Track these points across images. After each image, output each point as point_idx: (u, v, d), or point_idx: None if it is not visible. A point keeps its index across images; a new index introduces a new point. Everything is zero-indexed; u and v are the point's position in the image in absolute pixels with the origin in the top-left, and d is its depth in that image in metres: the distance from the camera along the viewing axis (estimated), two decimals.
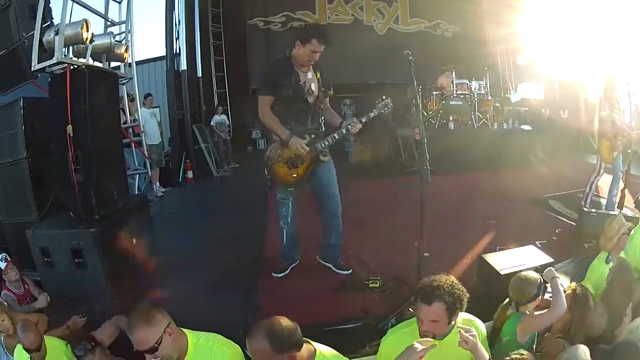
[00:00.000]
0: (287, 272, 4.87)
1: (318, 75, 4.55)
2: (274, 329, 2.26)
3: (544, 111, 11.73)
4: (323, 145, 4.46)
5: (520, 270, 3.44)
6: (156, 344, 2.30)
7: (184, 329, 2.54)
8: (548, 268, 3.40)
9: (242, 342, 2.47)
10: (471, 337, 2.47)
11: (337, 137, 4.46)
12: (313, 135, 4.46)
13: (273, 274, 4.83)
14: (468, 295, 2.58)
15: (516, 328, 3.06)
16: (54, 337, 3.60)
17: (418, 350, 2.27)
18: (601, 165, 5.95)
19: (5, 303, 4.32)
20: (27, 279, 4.88)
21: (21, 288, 4.75)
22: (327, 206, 4.70)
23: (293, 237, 4.86)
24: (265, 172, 4.60)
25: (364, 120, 4.44)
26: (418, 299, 2.54)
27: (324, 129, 4.60)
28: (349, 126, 4.41)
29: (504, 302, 3.28)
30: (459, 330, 2.50)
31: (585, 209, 5.51)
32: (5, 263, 4.68)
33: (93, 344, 3.32)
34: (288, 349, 2.28)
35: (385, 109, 4.45)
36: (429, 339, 2.40)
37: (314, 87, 4.49)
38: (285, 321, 2.32)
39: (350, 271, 4.80)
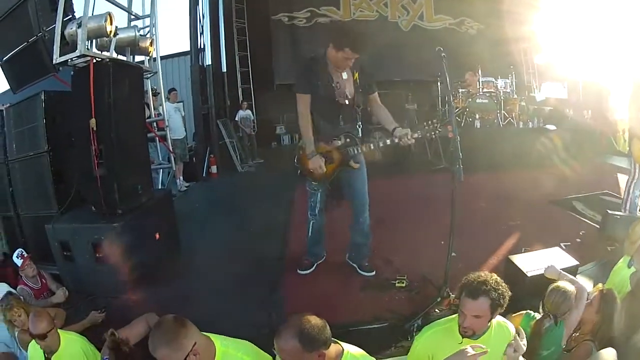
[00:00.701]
0: (312, 269, 4.84)
1: (356, 76, 4.30)
2: (304, 328, 2.22)
3: (567, 111, 11.59)
4: (357, 151, 4.33)
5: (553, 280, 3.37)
6: None
7: (211, 335, 2.44)
8: (550, 265, 3.50)
9: (266, 341, 2.47)
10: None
11: (376, 146, 4.31)
12: (348, 139, 4.33)
13: (298, 271, 4.80)
14: (510, 294, 2.59)
15: (561, 339, 3.07)
16: (72, 332, 3.60)
17: (469, 355, 2.34)
18: (636, 168, 5.72)
19: (21, 297, 4.29)
20: (45, 273, 4.88)
21: (38, 282, 4.75)
22: (354, 207, 4.59)
23: (319, 231, 4.79)
24: (295, 160, 4.53)
25: (416, 136, 4.17)
26: (463, 293, 2.57)
27: (360, 133, 4.44)
28: (400, 138, 4.13)
29: (538, 317, 3.22)
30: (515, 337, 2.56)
31: (609, 211, 5.37)
32: (22, 260, 4.65)
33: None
34: (317, 347, 2.23)
35: (433, 133, 4.22)
36: (480, 345, 2.43)
37: (348, 88, 4.28)
38: (314, 319, 2.28)
39: (374, 273, 4.69)
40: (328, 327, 2.31)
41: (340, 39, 4.01)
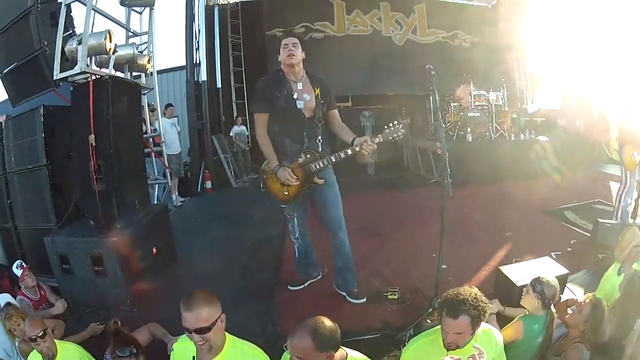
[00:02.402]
0: (303, 286, 4.84)
1: (317, 91, 4.21)
2: (318, 327, 2.33)
3: (560, 121, 11.73)
4: (318, 166, 4.17)
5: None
6: (211, 325, 2.35)
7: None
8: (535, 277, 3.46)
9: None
10: None
11: (337, 158, 4.13)
12: (308, 155, 4.20)
13: (289, 287, 4.82)
14: (491, 306, 2.70)
15: None
16: (70, 342, 3.65)
17: None
18: (627, 176, 5.77)
19: (20, 308, 4.31)
20: (44, 285, 4.91)
21: (37, 294, 4.78)
22: (328, 226, 4.41)
23: (306, 254, 4.78)
24: (261, 185, 4.49)
25: (377, 140, 3.98)
26: (443, 313, 2.61)
27: (321, 148, 4.23)
28: (361, 146, 3.97)
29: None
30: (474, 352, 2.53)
31: (600, 220, 5.46)
32: (22, 270, 4.68)
33: (136, 349, 3.32)
34: (328, 348, 2.33)
35: (396, 135, 4.03)
36: (457, 356, 2.46)
37: (308, 98, 4.17)
38: (328, 321, 2.40)
39: (365, 300, 4.47)
40: (339, 331, 2.41)
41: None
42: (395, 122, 4.01)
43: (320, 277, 4.95)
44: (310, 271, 4.89)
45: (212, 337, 2.38)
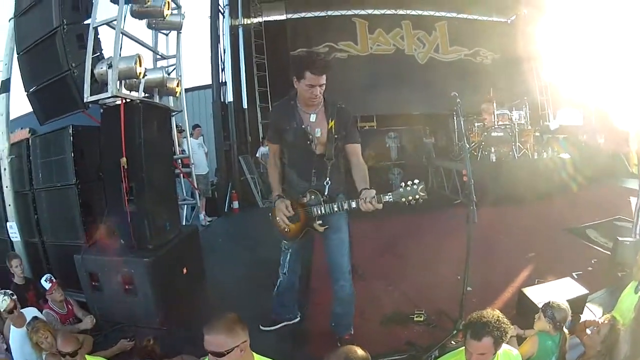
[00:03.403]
0: (275, 327, 4.50)
1: (331, 123, 3.75)
2: (350, 356, 2.42)
3: (582, 137, 11.61)
4: (319, 212, 3.77)
5: None
6: (226, 352, 2.42)
7: (254, 353, 2.66)
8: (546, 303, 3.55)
9: None
10: None
11: (340, 209, 3.70)
12: (313, 197, 3.83)
13: (260, 326, 4.46)
14: (512, 327, 2.87)
15: None
16: (100, 357, 3.76)
17: None
18: None
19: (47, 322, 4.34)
20: (72, 299, 4.98)
21: (64, 308, 4.85)
22: (330, 271, 4.05)
23: (285, 292, 4.43)
24: (270, 214, 4.11)
25: (381, 202, 3.41)
26: (468, 335, 2.75)
27: (327, 191, 3.80)
28: (360, 202, 3.47)
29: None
30: None
31: (620, 238, 5.41)
32: (50, 284, 4.75)
33: None
34: None
35: (412, 197, 3.37)
36: None
37: (319, 133, 3.76)
38: (360, 351, 2.48)
39: None
40: None
41: (299, 65, 3.58)
42: (416, 182, 3.39)
43: (297, 320, 4.64)
44: (284, 312, 4.56)
45: None
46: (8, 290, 4.37)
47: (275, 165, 4.07)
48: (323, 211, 3.75)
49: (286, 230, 3.94)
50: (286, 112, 3.83)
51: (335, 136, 3.77)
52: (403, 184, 3.39)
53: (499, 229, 7.00)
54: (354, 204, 3.55)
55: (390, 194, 3.40)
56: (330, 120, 3.75)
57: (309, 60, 3.53)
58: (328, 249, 3.97)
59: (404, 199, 3.37)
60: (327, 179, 3.80)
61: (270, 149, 4.09)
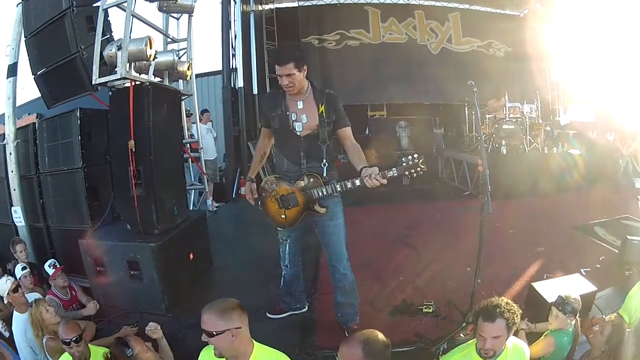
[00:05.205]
0: (282, 315, 4.54)
1: (322, 108, 3.80)
2: (371, 339, 2.37)
3: (591, 134, 11.53)
4: (321, 193, 3.78)
5: None
6: (215, 332, 2.38)
7: (255, 342, 2.58)
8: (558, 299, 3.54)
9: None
10: None
11: (343, 187, 3.70)
12: (312, 179, 3.83)
13: (267, 314, 4.52)
14: (521, 311, 2.91)
15: None
16: (101, 346, 3.67)
17: None
18: None
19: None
20: (75, 285, 4.97)
21: (68, 294, 4.85)
22: (328, 258, 4.10)
23: (291, 284, 4.47)
24: (259, 203, 4.06)
25: (387, 177, 3.44)
26: (480, 320, 2.81)
27: (326, 173, 3.84)
28: (365, 179, 3.46)
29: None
30: None
31: (629, 237, 5.33)
32: (54, 270, 4.74)
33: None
34: None
35: (414, 170, 3.45)
36: None
37: (306, 118, 3.81)
38: (381, 336, 2.43)
39: None
40: (390, 349, 2.44)
41: (272, 59, 3.81)
42: (416, 156, 3.47)
43: (304, 310, 4.64)
44: (291, 301, 4.57)
45: (217, 344, 2.42)
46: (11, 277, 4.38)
47: (260, 147, 4.24)
48: (325, 192, 3.78)
49: (283, 217, 3.93)
50: (274, 99, 3.95)
51: (326, 120, 3.83)
52: (404, 158, 3.49)
53: (509, 223, 6.93)
54: (357, 182, 3.57)
55: (394, 168, 3.46)
56: (320, 105, 3.82)
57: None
58: (325, 237, 4.02)
59: (407, 172, 3.45)
60: (324, 160, 3.85)
61: (262, 131, 4.21)
